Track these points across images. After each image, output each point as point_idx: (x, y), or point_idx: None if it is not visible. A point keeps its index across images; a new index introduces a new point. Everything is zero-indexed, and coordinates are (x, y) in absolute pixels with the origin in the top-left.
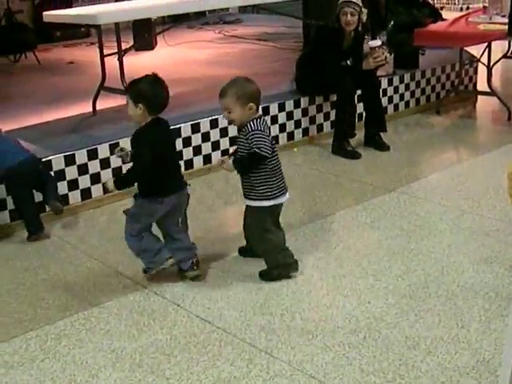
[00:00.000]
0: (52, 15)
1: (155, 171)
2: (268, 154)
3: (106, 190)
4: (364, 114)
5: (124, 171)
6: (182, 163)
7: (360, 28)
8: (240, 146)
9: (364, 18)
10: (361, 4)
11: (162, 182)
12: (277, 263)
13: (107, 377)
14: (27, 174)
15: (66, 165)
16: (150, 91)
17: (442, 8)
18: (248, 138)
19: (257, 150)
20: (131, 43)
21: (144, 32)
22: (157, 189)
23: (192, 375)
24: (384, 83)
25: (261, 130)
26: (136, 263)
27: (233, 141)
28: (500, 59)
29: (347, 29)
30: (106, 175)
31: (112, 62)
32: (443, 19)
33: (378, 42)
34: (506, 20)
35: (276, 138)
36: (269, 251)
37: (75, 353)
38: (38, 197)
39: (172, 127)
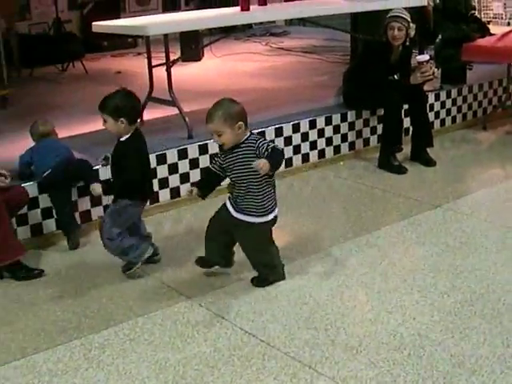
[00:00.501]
0: (101, 26)
1: (141, 178)
2: None
3: (92, 194)
4: (411, 129)
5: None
6: None
7: (408, 43)
8: (238, 163)
9: (412, 32)
10: (409, 19)
11: (144, 187)
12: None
13: None
14: (60, 177)
15: None
16: (128, 105)
17: (488, 22)
18: (258, 146)
19: (276, 146)
20: (178, 54)
21: (191, 43)
22: (142, 193)
23: None
24: (431, 98)
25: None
26: (181, 274)
27: None
28: None
29: (394, 43)
30: (154, 185)
31: (159, 73)
32: (491, 34)
33: (425, 57)
34: None
35: (322, 151)
36: (269, 263)
37: (119, 363)
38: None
39: None
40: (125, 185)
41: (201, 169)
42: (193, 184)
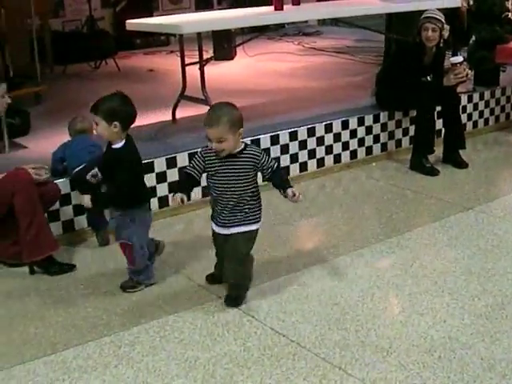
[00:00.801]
0: (135, 23)
1: (140, 182)
2: None
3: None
4: (443, 131)
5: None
6: (260, 175)
7: (441, 44)
8: (235, 172)
9: (446, 34)
10: (443, 20)
11: (145, 190)
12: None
13: None
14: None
15: (145, 172)
16: (123, 109)
17: None
18: (261, 161)
19: (277, 163)
20: (210, 53)
21: (224, 42)
22: (144, 196)
23: None
24: (464, 100)
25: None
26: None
27: (311, 154)
28: None
29: (428, 45)
30: None
31: (191, 71)
32: None
33: (459, 59)
34: None
35: (354, 152)
36: (248, 274)
37: (148, 360)
38: None
39: (250, 138)
40: (118, 193)
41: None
42: (174, 191)
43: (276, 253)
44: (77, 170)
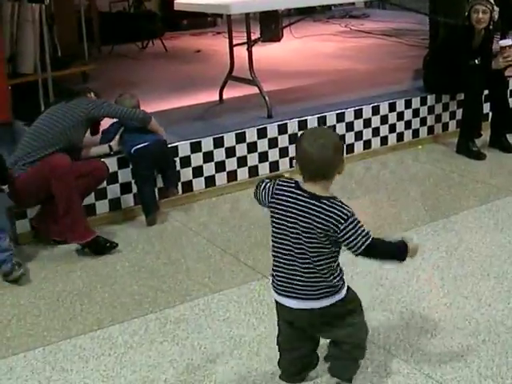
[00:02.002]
0: (183, 4)
1: None
2: None
3: None
4: (490, 115)
5: None
6: None
7: (491, 26)
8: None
9: (496, 16)
10: (493, 2)
11: None
12: None
13: (224, 363)
14: (152, 156)
15: (192, 151)
16: None
17: None
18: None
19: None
20: (257, 34)
21: (271, 24)
22: None
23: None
24: None
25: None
26: (257, 252)
27: (358, 135)
28: None
29: (478, 27)
30: (231, 164)
31: (238, 52)
32: None
33: (508, 42)
34: None
35: (401, 134)
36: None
37: (194, 337)
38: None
39: (297, 119)
40: None
41: (279, 148)
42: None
43: None
44: (139, 146)
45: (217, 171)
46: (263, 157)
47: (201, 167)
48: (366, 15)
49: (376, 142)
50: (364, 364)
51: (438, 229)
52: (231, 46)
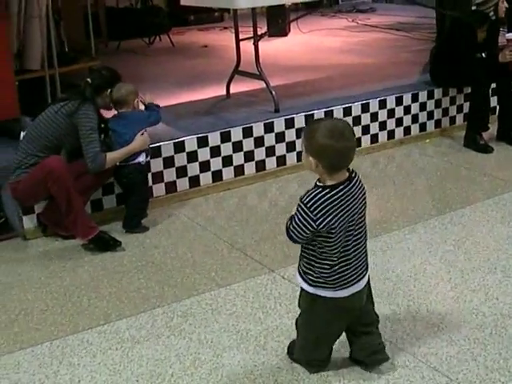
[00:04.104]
0: None
1: None
2: None
3: None
4: (497, 108)
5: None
6: None
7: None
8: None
9: (503, 8)
10: None
11: None
12: None
13: (231, 357)
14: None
15: (199, 146)
16: None
17: None
18: None
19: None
20: (264, 29)
21: (278, 18)
22: None
23: None
24: None
25: None
26: (264, 247)
27: (365, 129)
28: None
29: (502, 16)
30: (238, 158)
31: (244, 47)
32: None
33: None
34: None
35: (408, 128)
36: None
37: (200, 332)
38: None
39: (305, 114)
40: None
41: (286, 143)
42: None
43: None
44: None
45: (224, 166)
46: (270, 151)
47: (208, 162)
48: (373, 9)
49: (383, 136)
50: None
51: (445, 222)
52: (238, 41)
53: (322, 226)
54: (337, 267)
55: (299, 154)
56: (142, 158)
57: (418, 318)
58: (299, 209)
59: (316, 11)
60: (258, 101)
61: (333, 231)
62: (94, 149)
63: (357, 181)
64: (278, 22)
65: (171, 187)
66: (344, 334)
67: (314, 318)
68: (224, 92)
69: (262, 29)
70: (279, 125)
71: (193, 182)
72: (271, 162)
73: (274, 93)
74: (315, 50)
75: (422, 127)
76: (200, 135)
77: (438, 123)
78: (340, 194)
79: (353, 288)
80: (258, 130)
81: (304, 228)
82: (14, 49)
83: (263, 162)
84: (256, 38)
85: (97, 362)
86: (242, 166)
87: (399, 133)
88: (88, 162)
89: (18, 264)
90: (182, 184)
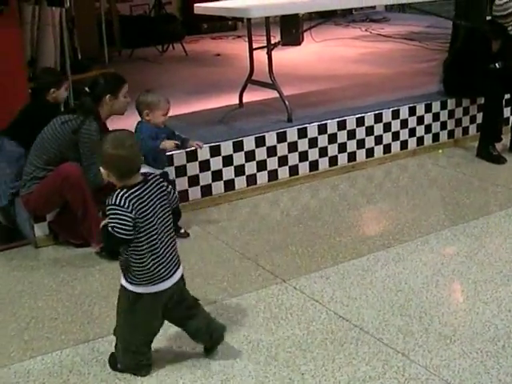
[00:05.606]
0: (203, 7)
1: None
2: None
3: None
4: (511, 119)
5: None
6: (326, 160)
7: (511, 32)
8: None
9: None
10: None
11: None
12: None
13: (242, 368)
14: None
15: (211, 155)
16: None
17: None
18: None
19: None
20: (277, 38)
21: (292, 27)
22: None
23: (327, 372)
24: None
25: None
26: (276, 257)
27: (378, 140)
28: None
29: None
30: (251, 168)
31: (257, 56)
32: None
33: None
34: None
35: (421, 138)
36: None
37: None
38: None
39: (318, 123)
40: None
41: (299, 153)
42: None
43: (341, 238)
44: None
45: (236, 175)
46: (283, 161)
47: (220, 171)
48: (386, 19)
49: (396, 146)
50: (382, 369)
51: (457, 233)
52: (251, 50)
53: (135, 217)
54: (149, 264)
55: (312, 164)
56: (142, 170)
57: (430, 329)
58: (110, 212)
59: (329, 21)
60: (270, 110)
61: (144, 224)
62: (93, 170)
63: (153, 183)
64: (291, 31)
65: (183, 196)
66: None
67: (135, 316)
68: (237, 101)
69: (276, 38)
70: (292, 134)
71: (205, 190)
72: (284, 172)
73: (287, 102)
74: (328, 59)
75: (435, 137)
76: (212, 144)
77: (451, 133)
78: (136, 193)
79: (168, 282)
80: (271, 139)
81: (124, 223)
82: (28, 56)
83: (275, 171)
84: (269, 47)
85: (107, 371)
86: (255, 175)
87: (412, 143)
88: (88, 181)
89: (29, 272)
90: (194, 193)
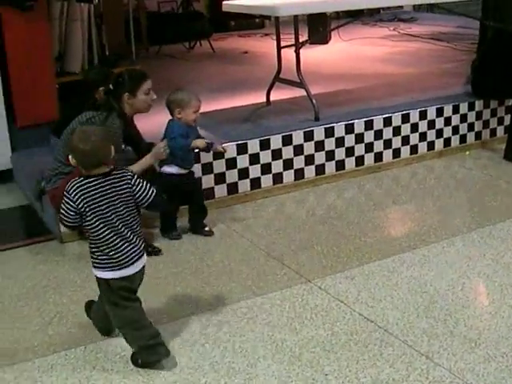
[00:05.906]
0: (231, 5)
1: None
2: None
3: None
4: None
5: None
6: (353, 160)
7: None
8: None
9: None
10: None
11: None
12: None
13: (266, 367)
14: None
15: (238, 153)
16: None
17: None
18: None
19: None
20: (305, 37)
21: (319, 26)
22: None
23: (350, 373)
24: None
25: None
26: (302, 256)
27: (405, 140)
28: None
29: None
30: (277, 166)
31: (285, 54)
32: None
33: None
34: None
35: (448, 140)
36: None
37: (235, 340)
38: None
39: (344, 123)
40: None
41: (326, 152)
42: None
43: (366, 238)
44: None
45: (262, 173)
46: (309, 160)
47: (247, 169)
48: (415, 19)
49: (423, 147)
50: (406, 372)
51: (484, 236)
52: (279, 48)
53: (80, 205)
54: (107, 250)
55: (338, 163)
56: (170, 169)
57: (455, 332)
58: (63, 197)
59: (357, 20)
60: (298, 109)
61: (91, 212)
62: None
63: (117, 177)
64: (319, 30)
65: (209, 194)
66: None
67: (110, 302)
68: (264, 99)
69: (303, 36)
70: (319, 133)
71: (231, 188)
72: (310, 171)
73: (314, 101)
74: (356, 58)
75: (462, 139)
76: (239, 142)
77: (478, 135)
78: (94, 183)
79: (131, 269)
80: (298, 138)
81: (67, 210)
82: (56, 51)
83: (302, 170)
84: (297, 46)
85: (130, 368)
86: (281, 173)
87: (439, 144)
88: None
89: (54, 267)
90: (221, 190)
